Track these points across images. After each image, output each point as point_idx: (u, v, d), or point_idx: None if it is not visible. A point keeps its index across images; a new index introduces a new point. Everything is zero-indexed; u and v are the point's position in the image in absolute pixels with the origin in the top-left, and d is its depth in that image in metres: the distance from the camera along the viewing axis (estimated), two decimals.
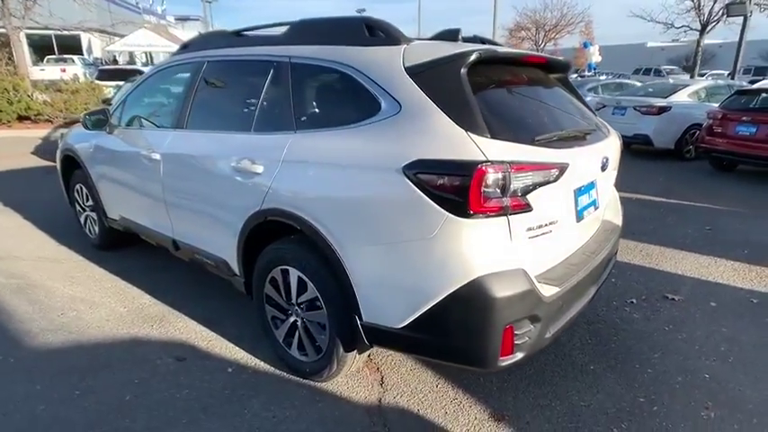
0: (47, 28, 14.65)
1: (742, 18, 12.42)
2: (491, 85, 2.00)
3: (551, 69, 2.48)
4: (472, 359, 1.79)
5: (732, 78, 12.02)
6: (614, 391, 2.31)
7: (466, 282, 1.66)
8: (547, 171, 1.77)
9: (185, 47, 3.09)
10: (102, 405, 2.20)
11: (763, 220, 4.98)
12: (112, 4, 27.48)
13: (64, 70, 22.30)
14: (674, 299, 3.24)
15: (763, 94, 6.86)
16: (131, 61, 29.75)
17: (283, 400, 2.23)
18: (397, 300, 1.84)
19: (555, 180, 1.80)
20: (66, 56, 24.98)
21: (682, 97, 8.39)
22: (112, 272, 3.66)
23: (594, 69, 20.72)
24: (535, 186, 1.73)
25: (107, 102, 8.53)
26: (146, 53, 32.13)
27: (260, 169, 2.20)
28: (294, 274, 2.20)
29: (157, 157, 2.85)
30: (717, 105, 7.41)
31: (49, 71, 22.06)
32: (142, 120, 3.28)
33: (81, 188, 4.03)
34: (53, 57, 25.14)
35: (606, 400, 2.25)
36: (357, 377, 2.39)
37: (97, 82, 13.85)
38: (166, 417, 2.13)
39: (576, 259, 2.08)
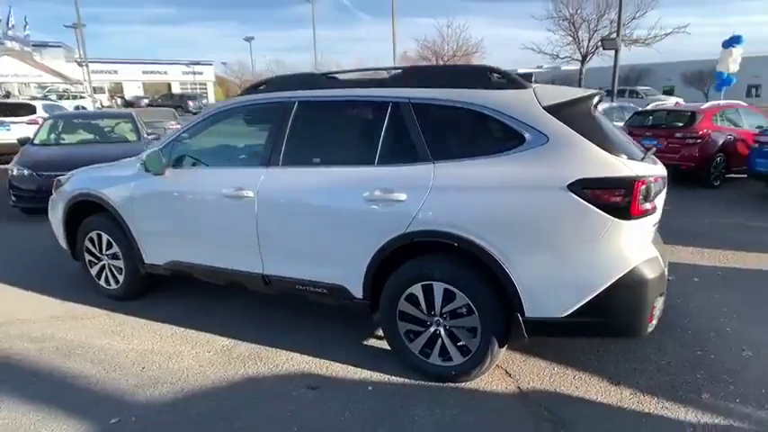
0: None
1: (614, 51, 15.50)
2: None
3: None
4: (630, 331, 2.28)
5: (612, 99, 14.63)
6: (676, 350, 2.94)
7: (627, 270, 2.15)
8: (662, 181, 2.34)
9: (256, 87, 3.18)
10: None
11: (686, 216, 6.24)
12: None
13: None
14: (669, 278, 4.05)
15: (655, 114, 8.60)
16: None
17: (440, 402, 2.47)
18: (562, 294, 2.25)
19: (663, 188, 2.38)
20: None
21: None
22: (159, 320, 3.47)
23: None
24: (657, 193, 2.29)
25: (25, 142, 7.55)
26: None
27: (403, 197, 2.46)
28: (439, 287, 2.48)
29: (250, 194, 2.89)
30: (621, 124, 9.02)
31: None
32: (210, 160, 3.25)
33: (99, 235, 3.74)
34: None
35: (677, 356, 2.86)
36: (484, 375, 2.70)
37: None
38: None
39: (659, 247, 2.68)
